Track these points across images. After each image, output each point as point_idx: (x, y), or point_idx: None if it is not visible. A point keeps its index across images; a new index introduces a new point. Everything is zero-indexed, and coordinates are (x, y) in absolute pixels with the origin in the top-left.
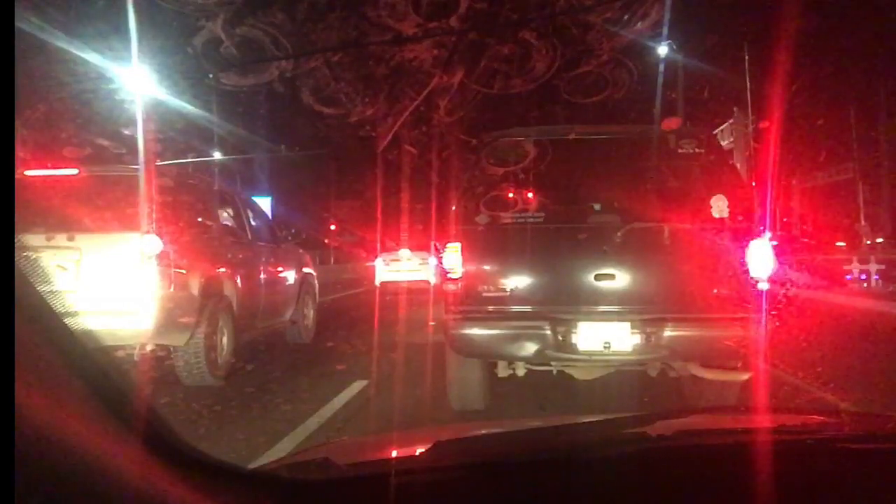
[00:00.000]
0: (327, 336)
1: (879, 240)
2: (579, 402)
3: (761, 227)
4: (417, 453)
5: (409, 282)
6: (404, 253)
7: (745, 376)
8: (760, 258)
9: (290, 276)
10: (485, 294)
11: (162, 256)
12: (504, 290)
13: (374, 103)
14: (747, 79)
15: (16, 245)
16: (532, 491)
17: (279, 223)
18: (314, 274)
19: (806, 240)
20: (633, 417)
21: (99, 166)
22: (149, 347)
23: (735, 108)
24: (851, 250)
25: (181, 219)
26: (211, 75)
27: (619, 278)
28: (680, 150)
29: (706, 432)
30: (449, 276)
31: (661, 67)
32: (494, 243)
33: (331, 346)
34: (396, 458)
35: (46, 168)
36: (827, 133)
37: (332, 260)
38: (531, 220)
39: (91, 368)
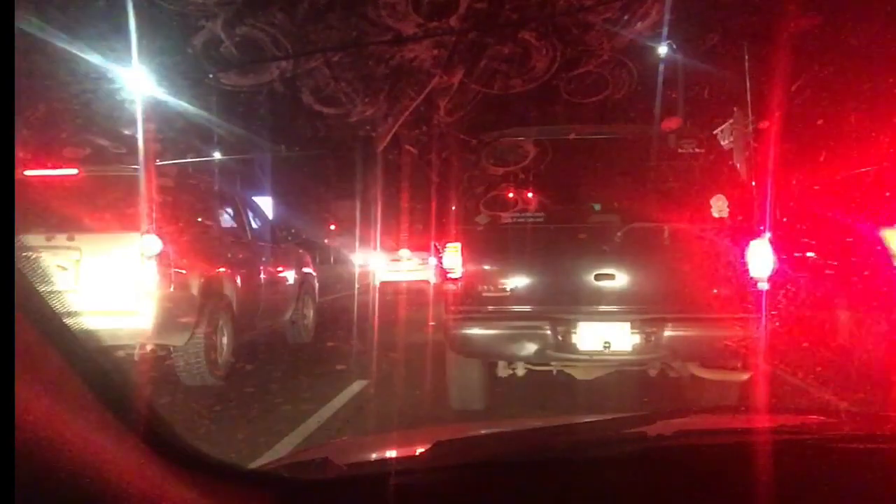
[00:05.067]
0: (327, 336)
1: None
2: (579, 402)
3: (761, 227)
4: (417, 453)
5: (408, 282)
6: (404, 253)
7: (745, 376)
8: (760, 258)
9: (290, 276)
10: (485, 294)
11: (162, 256)
12: (504, 290)
13: (374, 103)
14: (747, 79)
15: (16, 245)
16: (532, 491)
17: (279, 223)
18: (314, 274)
19: (806, 240)
20: (633, 417)
21: (99, 166)
22: (149, 347)
23: (735, 108)
24: None
25: (181, 219)
26: (211, 75)
27: (619, 278)
28: (680, 150)
29: (706, 432)
30: (449, 276)
31: (661, 67)
32: (494, 243)
33: (331, 346)
34: (396, 458)
35: (46, 168)
36: (827, 133)
37: (332, 260)
38: (531, 220)
39: (91, 368)
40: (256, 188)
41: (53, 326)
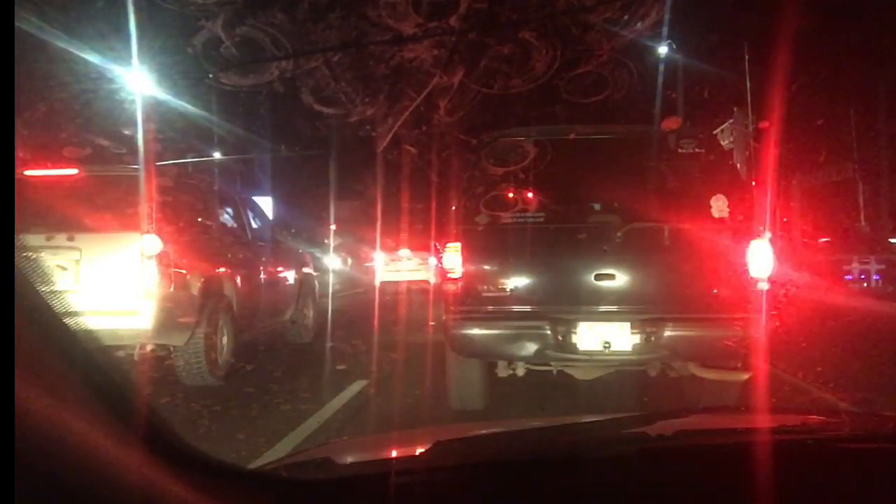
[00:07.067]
0: (327, 336)
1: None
2: (579, 402)
3: (761, 227)
4: (417, 453)
5: (408, 282)
6: (404, 253)
7: (745, 376)
8: (760, 258)
9: (290, 276)
10: (485, 294)
11: (162, 256)
12: (504, 290)
13: (374, 103)
14: (747, 79)
15: (16, 245)
16: (532, 491)
17: (279, 223)
18: (314, 274)
19: (806, 240)
20: (633, 417)
21: (99, 166)
22: (149, 347)
23: (735, 108)
24: (851, 250)
25: (181, 219)
26: (211, 75)
27: (619, 278)
28: (680, 150)
29: (706, 432)
30: (449, 276)
31: (661, 67)
32: (494, 243)
33: (331, 346)
34: (396, 458)
35: (46, 168)
36: (827, 133)
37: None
38: (531, 220)
39: (91, 368)
40: (256, 188)
41: (53, 326)
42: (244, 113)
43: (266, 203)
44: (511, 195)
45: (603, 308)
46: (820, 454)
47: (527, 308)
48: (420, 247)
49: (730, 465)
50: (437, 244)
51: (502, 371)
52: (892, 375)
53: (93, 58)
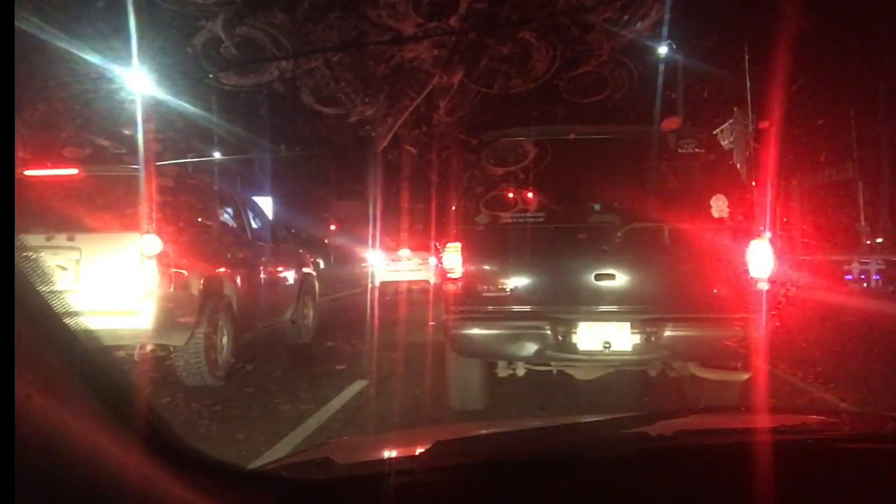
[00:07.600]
0: (327, 336)
1: (879, 240)
2: (579, 402)
3: (761, 227)
4: (417, 453)
5: (408, 282)
6: (404, 253)
7: (745, 376)
8: (760, 258)
9: (290, 276)
10: (485, 294)
11: (162, 256)
12: (504, 290)
13: (374, 103)
14: (747, 79)
15: (16, 245)
16: (532, 491)
17: (279, 223)
18: (314, 274)
19: (806, 240)
20: (633, 417)
21: (99, 166)
22: (149, 347)
23: (735, 108)
24: (852, 250)
25: (181, 219)
26: (211, 75)
27: (619, 278)
28: (680, 150)
29: (706, 432)
30: (449, 276)
31: (661, 67)
32: (494, 243)
33: (331, 346)
34: (396, 458)
35: (46, 168)
36: (827, 133)
37: (333, 260)
38: (531, 220)
39: (91, 368)
40: (256, 188)
41: (53, 326)
42: (244, 113)
43: (266, 203)
44: (511, 195)
45: (603, 308)
46: (820, 454)
47: (527, 308)
48: (420, 247)
49: (730, 465)
50: (437, 244)
51: (502, 371)
52: (892, 375)
53: (93, 58)
